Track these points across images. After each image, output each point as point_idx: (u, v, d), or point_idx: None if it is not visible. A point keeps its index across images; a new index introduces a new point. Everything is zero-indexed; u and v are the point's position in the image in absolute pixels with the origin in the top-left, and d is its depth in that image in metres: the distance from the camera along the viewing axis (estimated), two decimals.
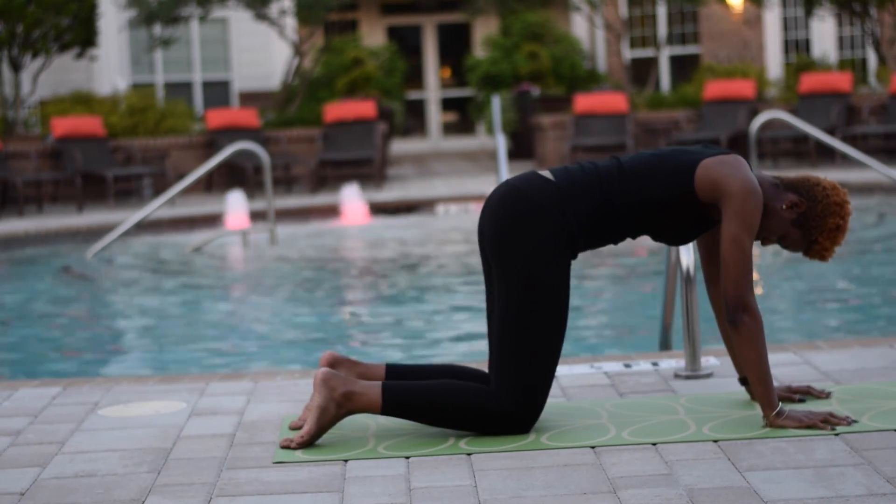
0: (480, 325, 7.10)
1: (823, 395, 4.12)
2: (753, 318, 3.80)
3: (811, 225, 3.92)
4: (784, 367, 4.64)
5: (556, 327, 3.87)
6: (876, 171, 11.50)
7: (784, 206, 3.91)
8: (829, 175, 14.82)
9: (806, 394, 4.12)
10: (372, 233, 12.95)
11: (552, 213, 3.86)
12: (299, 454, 3.76)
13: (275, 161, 16.02)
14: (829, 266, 9.13)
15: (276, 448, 3.85)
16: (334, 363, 4.04)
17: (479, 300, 8.17)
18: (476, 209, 13.70)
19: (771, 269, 9.24)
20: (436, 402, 3.88)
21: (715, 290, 4.16)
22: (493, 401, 3.85)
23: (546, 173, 3.95)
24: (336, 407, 3.87)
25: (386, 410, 3.89)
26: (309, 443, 3.84)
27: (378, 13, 24.37)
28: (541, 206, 3.86)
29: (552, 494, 3.28)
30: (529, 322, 3.84)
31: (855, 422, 3.79)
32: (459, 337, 7.02)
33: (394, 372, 4.05)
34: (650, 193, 3.88)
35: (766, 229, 3.95)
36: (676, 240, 4.04)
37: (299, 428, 4.01)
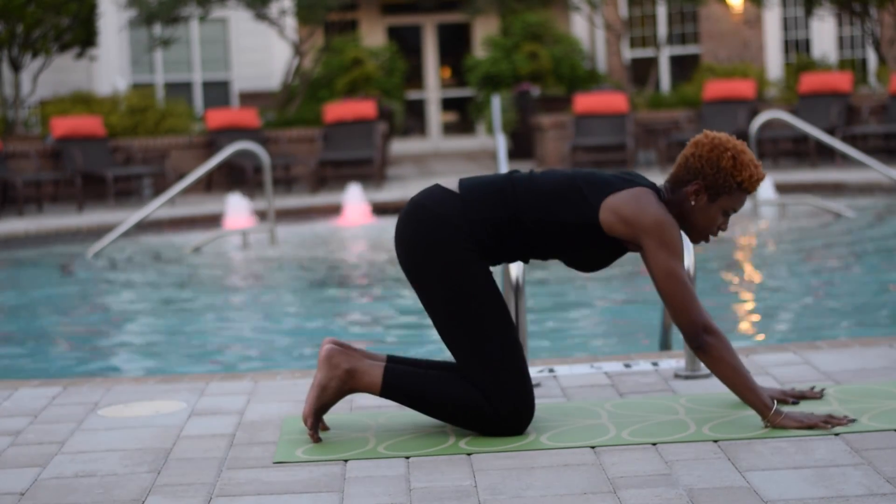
0: None
1: (817, 396, 4.12)
2: (716, 336, 3.78)
3: (720, 184, 3.86)
4: (784, 367, 4.64)
5: (497, 329, 3.85)
6: (876, 171, 11.49)
7: (693, 202, 3.88)
8: (829, 175, 14.86)
9: (800, 397, 4.12)
10: (372, 233, 12.95)
11: (457, 223, 3.84)
12: (299, 454, 3.76)
13: (275, 161, 16.02)
14: (830, 266, 9.13)
15: (276, 448, 3.85)
16: (338, 347, 4.03)
17: None
18: None
19: (771, 269, 9.24)
20: (435, 394, 3.89)
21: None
22: (486, 403, 3.85)
23: (452, 185, 3.93)
24: (339, 382, 3.89)
25: (385, 392, 3.91)
26: (313, 423, 3.86)
27: (378, 13, 24.36)
28: (445, 218, 3.85)
29: (552, 494, 3.28)
30: (470, 334, 3.84)
31: (854, 422, 3.79)
32: None
33: (394, 362, 4.05)
34: (555, 215, 3.84)
35: (703, 226, 3.91)
36: (587, 266, 3.98)
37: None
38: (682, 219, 3.92)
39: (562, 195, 3.86)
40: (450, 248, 3.83)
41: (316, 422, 3.91)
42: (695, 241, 4.01)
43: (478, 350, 3.84)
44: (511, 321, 3.90)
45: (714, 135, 3.90)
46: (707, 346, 3.77)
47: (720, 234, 4.02)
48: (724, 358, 3.78)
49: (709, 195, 3.89)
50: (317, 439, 3.88)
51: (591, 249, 3.90)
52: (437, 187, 3.94)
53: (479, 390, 3.86)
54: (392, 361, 4.02)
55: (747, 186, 3.88)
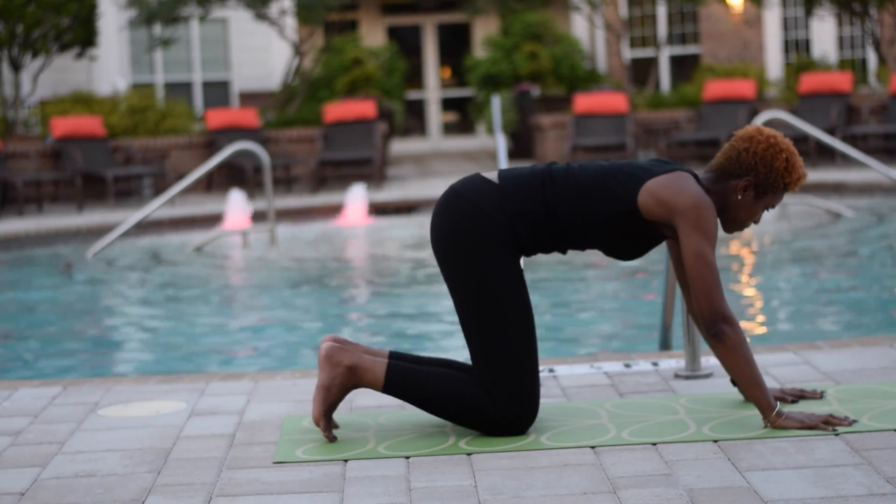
0: None
1: (817, 396, 4.12)
2: (733, 327, 3.79)
3: (770, 183, 3.89)
4: (784, 367, 4.64)
5: (519, 326, 3.85)
6: (876, 171, 11.49)
7: (739, 196, 3.90)
8: (829, 175, 14.87)
9: (799, 396, 4.12)
10: (372, 233, 12.95)
11: (494, 215, 3.85)
12: (299, 454, 3.76)
13: (275, 161, 16.02)
14: (829, 266, 9.13)
15: (276, 448, 3.85)
16: (337, 344, 4.02)
17: None
18: None
19: (771, 269, 9.24)
20: (437, 391, 3.89)
21: (689, 295, 4.15)
22: (488, 402, 3.86)
23: (492, 176, 3.93)
24: (342, 379, 3.89)
25: (388, 389, 3.91)
26: (325, 424, 3.87)
27: (378, 13, 24.36)
28: (482, 210, 3.85)
29: (552, 494, 3.28)
30: (491, 326, 3.84)
31: (855, 422, 3.79)
32: (460, 338, 7.01)
33: (396, 358, 4.05)
34: (593, 207, 3.85)
35: (744, 219, 3.93)
36: (625, 255, 3.99)
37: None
38: (722, 210, 3.93)
39: (600, 186, 3.86)
40: (483, 239, 3.83)
41: (328, 422, 3.91)
42: (729, 231, 4.02)
43: (492, 343, 3.84)
44: (532, 321, 3.90)
45: (768, 132, 3.91)
46: (724, 334, 3.77)
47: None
48: (739, 349, 3.79)
49: (756, 192, 3.90)
50: (332, 438, 3.88)
51: (629, 237, 3.90)
52: (478, 177, 3.94)
53: (483, 387, 3.86)
54: (394, 358, 4.01)
55: (793, 188, 3.92)
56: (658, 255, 9.20)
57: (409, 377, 3.92)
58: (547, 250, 3.96)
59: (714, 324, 3.77)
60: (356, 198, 13.75)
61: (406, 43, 24.13)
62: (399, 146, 22.54)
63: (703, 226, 3.79)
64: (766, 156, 3.88)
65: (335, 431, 3.98)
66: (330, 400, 3.90)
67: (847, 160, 15.42)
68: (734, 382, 4.13)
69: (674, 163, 3.94)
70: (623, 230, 3.88)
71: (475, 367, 3.89)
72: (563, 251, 4.00)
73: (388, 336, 7.22)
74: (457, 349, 6.67)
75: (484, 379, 3.86)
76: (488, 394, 3.85)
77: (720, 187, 3.92)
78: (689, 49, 23.07)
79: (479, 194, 3.88)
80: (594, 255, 10.10)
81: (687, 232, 3.79)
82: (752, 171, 3.88)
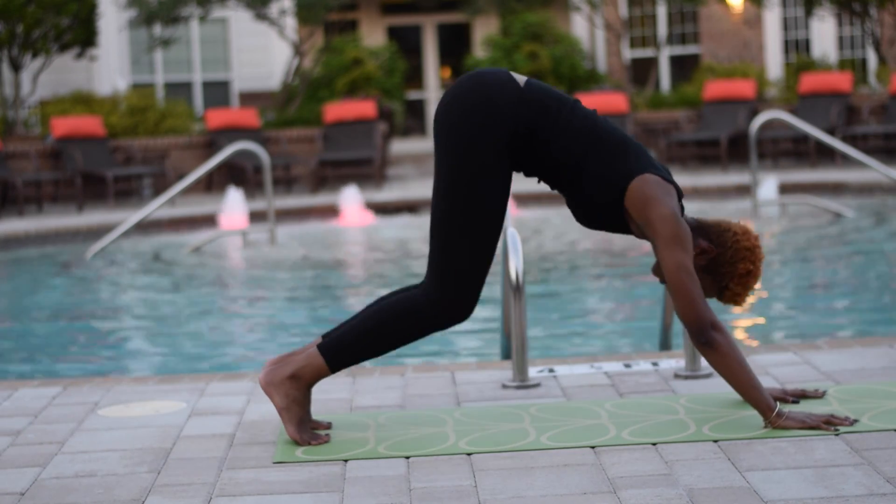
0: (482, 326, 7.09)
1: (819, 395, 4.12)
2: (722, 332, 3.77)
3: (722, 271, 3.88)
4: (784, 367, 4.64)
5: (479, 224, 3.81)
6: (876, 171, 11.50)
7: (694, 252, 3.87)
8: (829, 175, 14.87)
9: (801, 396, 4.11)
10: (372, 233, 12.94)
11: (504, 110, 3.80)
12: (299, 454, 3.76)
13: (275, 161, 16.02)
14: (829, 266, 9.13)
15: (276, 448, 3.85)
16: (269, 366, 4.00)
17: (480, 300, 8.16)
18: None
19: (771, 269, 9.24)
20: (370, 328, 3.87)
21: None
22: (422, 296, 3.85)
23: (520, 78, 3.88)
24: (291, 390, 3.87)
25: (333, 366, 3.90)
26: (307, 437, 3.85)
27: (378, 13, 24.36)
28: (495, 100, 3.81)
29: (552, 494, 3.28)
30: (461, 209, 3.80)
31: (856, 422, 3.79)
32: (460, 337, 7.01)
33: (325, 336, 4.00)
34: (590, 159, 3.81)
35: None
36: (586, 220, 3.93)
37: (314, 427, 4.01)
38: None
39: (608, 143, 3.83)
40: (485, 130, 3.80)
41: (311, 433, 3.88)
42: (655, 272, 3.97)
43: (451, 232, 3.81)
44: (498, 227, 3.85)
45: (757, 244, 3.90)
46: (714, 341, 3.76)
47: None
48: (731, 354, 3.77)
49: (707, 264, 3.89)
50: (325, 440, 3.87)
51: (601, 206, 3.87)
52: (506, 73, 3.89)
53: (426, 280, 3.84)
54: (324, 337, 3.98)
55: (725, 296, 3.92)
56: None
57: (342, 341, 3.89)
58: (528, 169, 3.91)
59: (703, 332, 3.75)
60: (350, 199, 13.76)
61: (406, 43, 24.14)
62: (399, 146, 22.55)
63: (683, 237, 3.76)
64: (741, 254, 3.87)
65: (332, 431, 3.98)
66: (296, 416, 3.89)
67: (847, 160, 15.42)
68: None
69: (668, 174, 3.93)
70: (599, 199, 3.84)
71: (429, 259, 3.86)
72: (539, 179, 3.95)
73: None
74: (457, 350, 6.66)
75: (432, 260, 3.84)
76: (428, 278, 3.84)
77: (691, 229, 3.91)
78: (689, 49, 23.07)
79: (500, 85, 3.83)
80: (596, 255, 10.10)
81: (665, 241, 3.75)
82: (721, 248, 3.87)
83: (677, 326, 5.02)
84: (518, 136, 3.82)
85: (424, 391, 4.54)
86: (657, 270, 3.91)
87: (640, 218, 3.81)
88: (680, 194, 3.90)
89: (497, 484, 3.40)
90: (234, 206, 13.03)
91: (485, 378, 4.70)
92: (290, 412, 3.89)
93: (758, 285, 3.93)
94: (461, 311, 3.87)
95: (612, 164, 3.83)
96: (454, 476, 3.49)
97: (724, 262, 3.88)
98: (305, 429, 3.89)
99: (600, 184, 3.83)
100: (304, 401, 3.91)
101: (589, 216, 3.93)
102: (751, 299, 7.80)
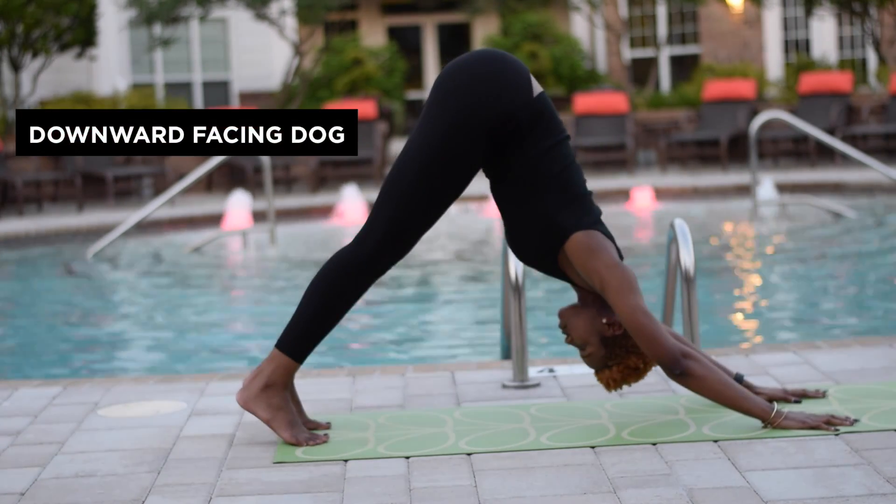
0: (483, 326, 7.10)
1: (820, 395, 4.12)
2: (693, 357, 3.76)
3: (615, 353, 3.88)
4: (784, 367, 4.64)
5: (429, 196, 3.81)
6: (876, 171, 11.50)
7: (605, 320, 3.85)
8: (829, 175, 14.85)
9: (802, 395, 4.11)
10: None
11: (507, 98, 3.80)
12: (299, 454, 3.76)
13: (275, 161, 16.02)
14: (829, 266, 9.13)
15: (276, 448, 3.85)
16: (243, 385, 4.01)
17: (480, 300, 8.17)
18: (475, 209, 13.69)
19: (771, 269, 9.24)
20: (315, 301, 3.92)
21: None
22: (355, 249, 3.87)
23: (537, 85, 3.88)
24: (273, 400, 3.88)
25: (298, 356, 3.93)
26: (305, 438, 3.86)
27: (378, 13, 24.37)
28: (504, 86, 3.80)
29: (552, 494, 3.28)
30: (407, 177, 3.81)
31: (857, 421, 3.79)
32: (459, 337, 7.01)
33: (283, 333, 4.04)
34: (546, 194, 3.81)
35: (576, 327, 3.89)
36: (520, 252, 3.94)
37: (313, 427, 4.02)
38: (585, 311, 3.90)
39: (570, 189, 3.83)
40: (478, 110, 3.78)
41: (305, 433, 3.88)
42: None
43: (402, 193, 3.81)
44: (448, 204, 3.85)
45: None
46: (689, 370, 3.74)
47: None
48: (709, 376, 3.76)
49: (606, 338, 3.87)
50: (323, 439, 3.87)
51: (537, 246, 3.87)
52: (527, 70, 3.88)
53: (362, 231, 3.86)
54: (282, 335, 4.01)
55: (603, 374, 3.90)
56: (657, 257, 9.20)
57: (295, 330, 3.95)
58: (490, 168, 3.88)
59: (675, 364, 3.74)
60: (349, 198, 13.76)
61: (406, 43, 24.14)
62: (399, 146, 22.55)
63: (631, 280, 3.75)
64: (639, 350, 3.86)
65: (332, 431, 3.98)
66: (285, 421, 3.89)
67: (847, 160, 15.42)
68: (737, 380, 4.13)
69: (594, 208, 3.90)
70: (538, 239, 3.84)
71: (372, 211, 3.87)
72: (493, 184, 3.92)
73: (388, 336, 7.22)
74: (457, 349, 6.66)
75: (371, 209, 3.87)
76: (360, 240, 3.86)
77: (605, 304, 3.89)
78: (689, 49, 23.08)
79: (514, 74, 3.83)
80: None
81: (617, 290, 3.73)
82: (628, 335, 3.86)
83: (677, 326, 5.02)
84: (504, 127, 3.81)
85: (424, 391, 4.54)
86: (564, 314, 3.92)
87: (584, 268, 3.80)
88: (620, 256, 3.89)
89: (497, 484, 3.40)
90: (239, 207, 13.03)
91: (485, 378, 4.70)
92: (277, 420, 3.89)
93: (634, 385, 3.96)
94: (391, 259, 3.88)
95: (564, 209, 3.82)
96: (454, 476, 3.49)
97: (621, 346, 3.88)
98: (300, 429, 3.89)
99: (547, 224, 3.82)
100: (287, 405, 3.91)
101: (528, 253, 3.93)
102: (746, 304, 7.80)
